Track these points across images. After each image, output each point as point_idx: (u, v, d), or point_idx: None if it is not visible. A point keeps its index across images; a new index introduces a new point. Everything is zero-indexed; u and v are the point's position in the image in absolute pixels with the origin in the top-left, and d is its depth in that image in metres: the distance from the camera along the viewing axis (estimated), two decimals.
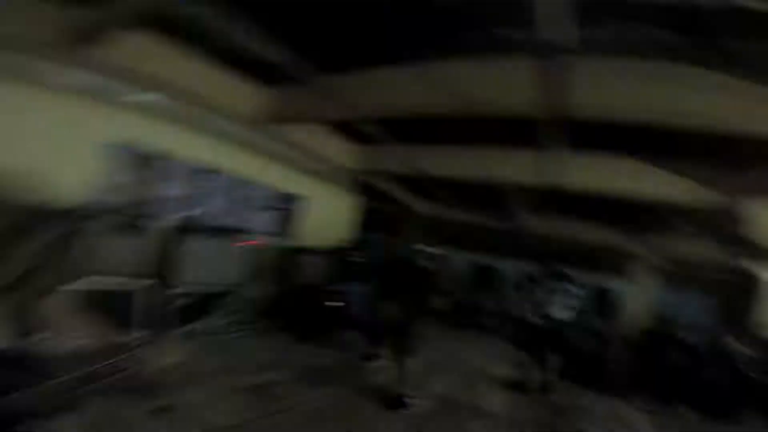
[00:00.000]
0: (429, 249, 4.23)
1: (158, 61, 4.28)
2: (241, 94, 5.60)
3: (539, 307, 4.36)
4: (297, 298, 4.65)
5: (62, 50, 3.43)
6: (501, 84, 4.27)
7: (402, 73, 4.71)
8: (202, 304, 3.93)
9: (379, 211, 11.97)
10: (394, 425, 2.91)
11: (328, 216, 7.46)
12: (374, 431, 2.80)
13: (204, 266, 3.98)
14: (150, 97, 4.27)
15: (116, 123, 3.96)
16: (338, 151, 7.73)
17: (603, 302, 8.34)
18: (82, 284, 3.09)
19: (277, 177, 6.41)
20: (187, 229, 4.06)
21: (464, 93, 4.36)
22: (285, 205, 6.72)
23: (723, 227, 5.50)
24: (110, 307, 3.17)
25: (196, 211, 5.24)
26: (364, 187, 8.86)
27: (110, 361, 2.78)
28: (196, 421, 2.41)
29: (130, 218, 3.88)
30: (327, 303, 4.49)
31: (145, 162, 4.34)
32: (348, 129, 7.74)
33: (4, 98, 3.13)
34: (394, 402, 3.16)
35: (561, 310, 4.29)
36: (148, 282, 3.51)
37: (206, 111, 4.87)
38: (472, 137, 6.27)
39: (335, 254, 5.50)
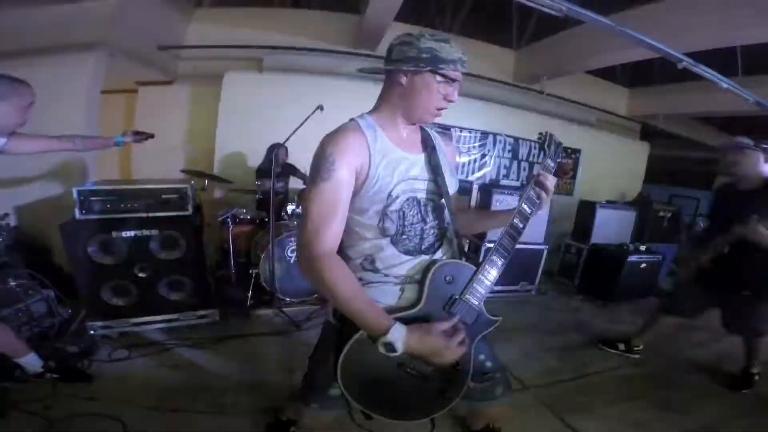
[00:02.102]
0: None
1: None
2: (500, 58, 5.80)
3: None
4: (594, 259, 4.42)
5: None
6: None
7: None
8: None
9: (675, 159, 9.62)
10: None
11: (613, 167, 6.64)
12: None
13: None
14: None
15: None
16: (613, 98, 6.79)
17: None
18: None
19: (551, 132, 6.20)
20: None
21: None
22: (567, 159, 6.49)
23: None
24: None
25: (486, 173, 5.90)
26: (653, 133, 7.36)
27: None
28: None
29: None
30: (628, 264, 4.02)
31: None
32: (620, 73, 6.66)
33: None
34: (739, 381, 2.59)
35: None
36: None
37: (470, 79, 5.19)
38: None
39: (637, 208, 4.79)
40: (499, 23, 5.78)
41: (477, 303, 1.04)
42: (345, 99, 3.94)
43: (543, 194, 1.11)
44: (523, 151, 6.11)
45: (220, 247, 3.67)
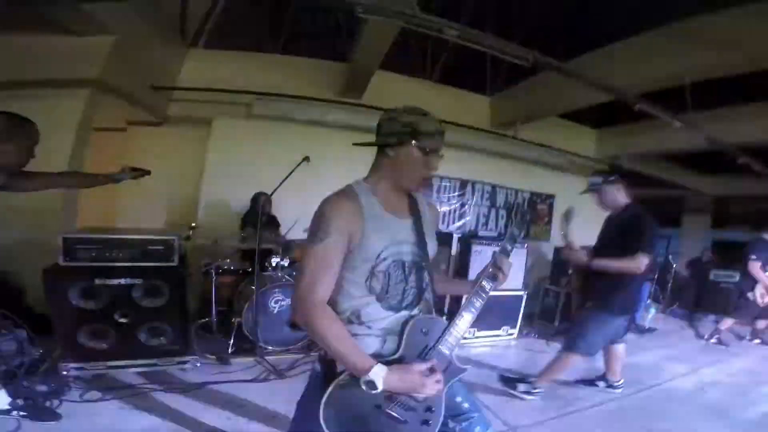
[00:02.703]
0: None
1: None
2: (475, 105, 6.17)
3: None
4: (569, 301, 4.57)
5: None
6: None
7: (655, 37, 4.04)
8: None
9: (643, 200, 10.16)
10: None
11: (585, 210, 6.94)
12: None
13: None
14: None
15: None
16: (582, 140, 7.29)
17: None
18: None
19: (526, 179, 6.59)
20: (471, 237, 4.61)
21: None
22: (541, 205, 6.81)
23: None
24: None
25: (465, 222, 6.11)
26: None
27: None
28: None
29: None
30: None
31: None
32: (587, 115, 7.23)
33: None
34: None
35: None
36: None
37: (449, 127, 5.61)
38: None
39: None
40: (473, 70, 6.26)
41: (448, 353, 1.15)
42: (331, 149, 4.21)
43: (500, 275, 1.25)
44: (500, 199, 6.41)
45: (202, 295, 3.66)
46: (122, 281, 2.37)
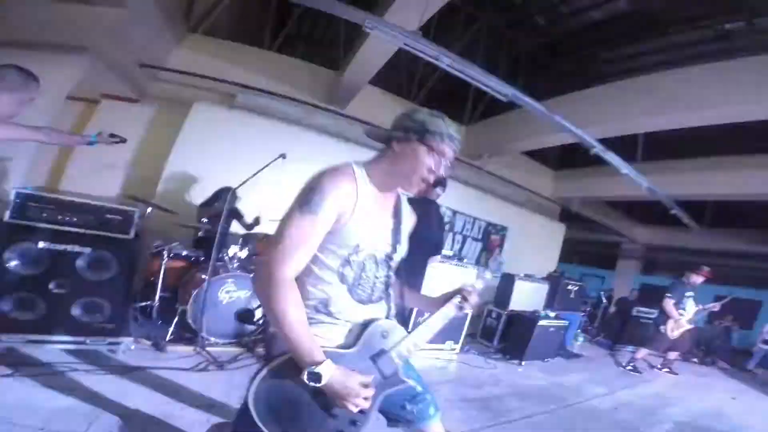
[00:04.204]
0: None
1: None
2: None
3: None
4: (511, 323, 4.87)
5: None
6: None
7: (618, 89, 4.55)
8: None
9: (585, 241, 11.06)
10: None
11: (533, 245, 7.47)
12: None
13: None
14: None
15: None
16: (541, 179, 7.84)
17: None
18: None
19: (485, 208, 6.93)
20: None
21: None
22: (494, 235, 7.20)
23: None
24: None
25: None
26: (568, 215, 8.54)
27: None
28: None
29: None
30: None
31: None
32: (549, 156, 7.84)
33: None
34: None
35: None
36: None
37: None
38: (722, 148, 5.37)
39: (549, 281, 5.46)
40: (456, 98, 6.58)
41: (397, 361, 1.15)
42: (306, 152, 4.16)
43: (466, 306, 1.26)
44: (458, 225, 6.67)
45: (147, 278, 3.49)
46: (68, 248, 2.23)
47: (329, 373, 0.98)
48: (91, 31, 3.30)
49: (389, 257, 1.19)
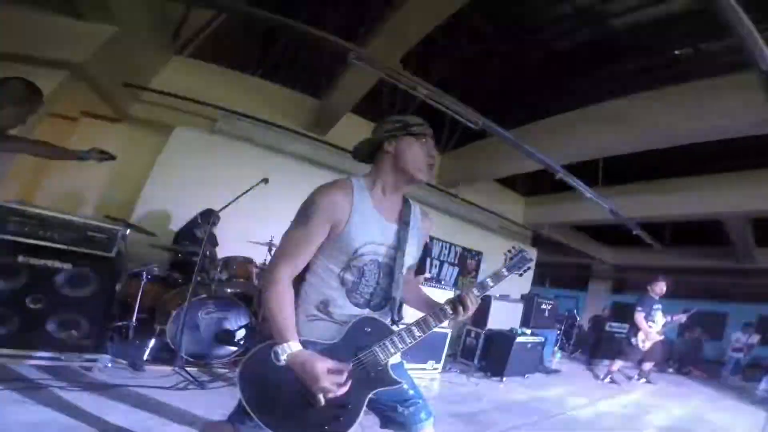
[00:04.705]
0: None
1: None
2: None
3: None
4: (490, 341, 4.97)
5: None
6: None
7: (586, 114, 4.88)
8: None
9: (558, 264, 11.45)
10: None
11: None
12: None
13: None
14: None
15: None
16: (512, 206, 8.18)
17: None
18: None
19: (459, 234, 7.15)
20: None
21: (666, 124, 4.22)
22: (470, 259, 7.41)
23: None
24: None
25: None
26: (540, 240, 8.86)
27: None
28: None
29: None
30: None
31: None
32: (520, 183, 8.23)
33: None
34: None
35: None
36: None
37: None
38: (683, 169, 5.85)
39: (524, 301, 5.62)
40: (433, 127, 6.91)
41: (383, 358, 1.14)
42: (286, 178, 4.10)
43: (460, 309, 1.19)
44: (435, 250, 6.82)
45: (124, 299, 3.40)
46: (48, 263, 2.21)
47: (290, 351, 1.03)
48: (76, 44, 3.27)
49: (393, 262, 1.22)
